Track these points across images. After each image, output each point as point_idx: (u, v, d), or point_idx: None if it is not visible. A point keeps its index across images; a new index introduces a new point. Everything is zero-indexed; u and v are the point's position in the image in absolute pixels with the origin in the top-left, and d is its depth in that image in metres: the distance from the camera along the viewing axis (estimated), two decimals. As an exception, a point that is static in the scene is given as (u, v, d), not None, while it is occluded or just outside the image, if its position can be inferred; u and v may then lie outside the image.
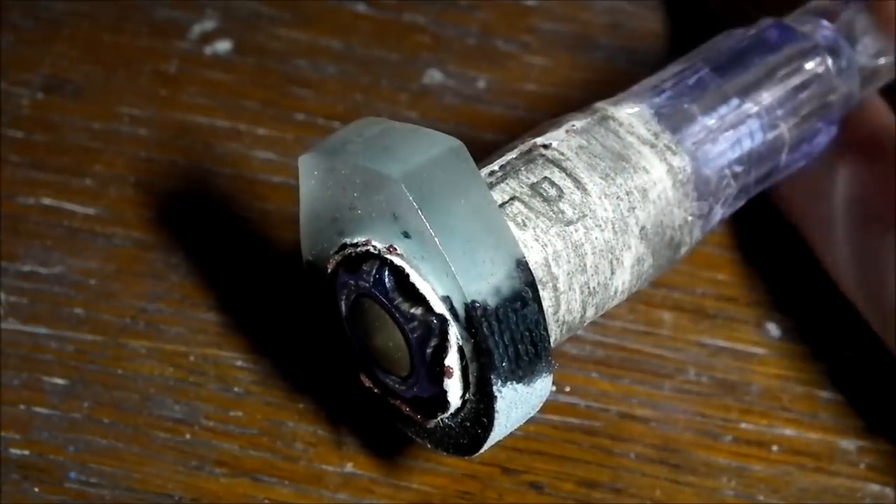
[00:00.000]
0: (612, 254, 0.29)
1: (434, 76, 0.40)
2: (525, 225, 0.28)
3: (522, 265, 0.27)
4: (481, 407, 0.28)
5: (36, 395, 0.34)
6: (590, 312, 0.30)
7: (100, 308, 0.35)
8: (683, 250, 0.31)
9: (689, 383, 0.34)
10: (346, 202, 0.28)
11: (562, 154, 0.30)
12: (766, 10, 0.34)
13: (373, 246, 0.28)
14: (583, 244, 0.29)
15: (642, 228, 0.30)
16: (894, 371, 0.34)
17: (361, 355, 0.30)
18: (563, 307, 0.29)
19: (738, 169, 0.31)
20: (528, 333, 0.27)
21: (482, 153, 0.30)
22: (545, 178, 0.29)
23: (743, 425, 0.34)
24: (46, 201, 0.37)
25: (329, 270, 0.29)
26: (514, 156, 0.30)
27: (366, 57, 0.40)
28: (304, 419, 0.33)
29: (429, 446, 0.30)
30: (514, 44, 0.41)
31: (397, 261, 0.28)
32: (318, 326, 0.32)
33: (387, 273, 0.28)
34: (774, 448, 0.33)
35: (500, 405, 0.27)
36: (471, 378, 0.28)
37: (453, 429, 0.29)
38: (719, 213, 0.31)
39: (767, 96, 0.32)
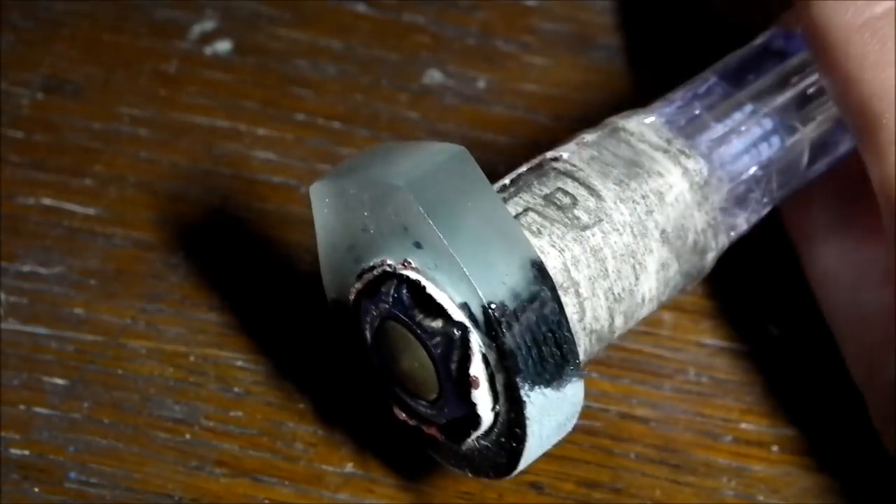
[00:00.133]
0: (633, 258, 0.29)
1: (434, 76, 0.40)
2: (540, 232, 0.28)
3: (537, 265, 0.27)
4: (512, 416, 0.28)
5: (36, 395, 0.34)
6: (619, 321, 0.29)
7: (100, 308, 0.35)
8: (710, 256, 0.31)
9: (689, 383, 0.34)
10: (358, 224, 0.28)
11: (573, 165, 0.30)
12: (770, 15, 0.34)
13: (388, 265, 0.28)
14: (601, 248, 0.29)
15: (662, 231, 0.30)
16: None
17: (390, 385, 0.29)
18: (588, 314, 0.29)
19: (759, 174, 0.31)
20: (550, 335, 0.27)
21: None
22: (558, 188, 0.29)
23: (743, 425, 0.34)
24: (46, 201, 0.37)
25: (351, 302, 0.29)
26: (525, 170, 0.30)
27: (366, 57, 0.40)
28: (304, 419, 0.33)
29: (469, 474, 0.30)
30: (514, 44, 0.41)
31: (412, 274, 0.27)
32: (346, 364, 0.33)
33: (404, 290, 0.28)
34: (774, 448, 0.33)
35: (529, 411, 0.27)
36: (498, 387, 0.27)
37: (489, 448, 0.29)
38: (744, 219, 0.31)
39: (782, 101, 0.32)
